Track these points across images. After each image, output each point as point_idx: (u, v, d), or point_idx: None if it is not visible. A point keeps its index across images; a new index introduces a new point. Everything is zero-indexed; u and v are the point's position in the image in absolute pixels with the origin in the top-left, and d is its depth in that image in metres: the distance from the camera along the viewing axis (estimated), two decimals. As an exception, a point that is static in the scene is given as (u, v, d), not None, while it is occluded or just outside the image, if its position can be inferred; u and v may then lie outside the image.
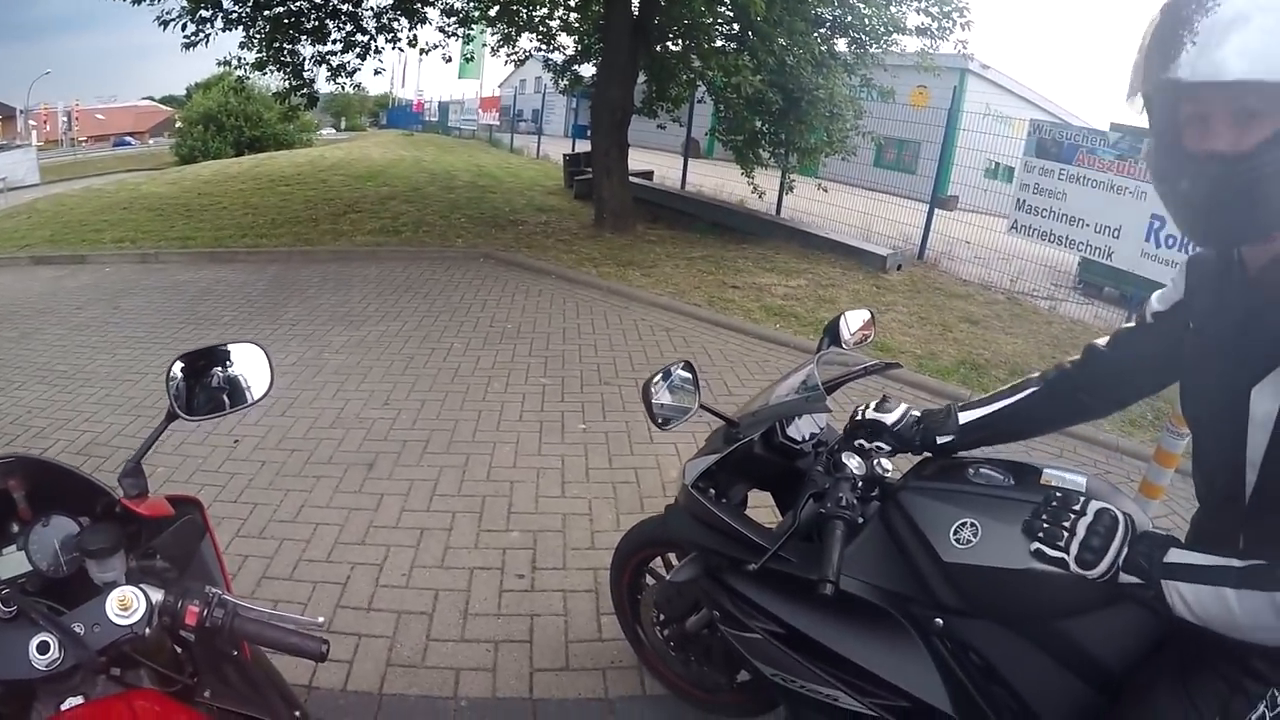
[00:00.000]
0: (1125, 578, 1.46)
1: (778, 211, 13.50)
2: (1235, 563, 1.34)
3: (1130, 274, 9.62)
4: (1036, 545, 1.55)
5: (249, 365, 1.76)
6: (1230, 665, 1.43)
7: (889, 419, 2.02)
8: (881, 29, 11.72)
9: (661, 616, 2.71)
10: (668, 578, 2.39)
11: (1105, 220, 9.59)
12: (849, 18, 11.73)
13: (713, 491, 2.17)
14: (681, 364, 2.19)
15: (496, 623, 3.34)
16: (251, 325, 7.30)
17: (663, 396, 2.13)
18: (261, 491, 4.33)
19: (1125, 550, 1.47)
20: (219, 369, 1.72)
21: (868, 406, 2.09)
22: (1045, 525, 1.56)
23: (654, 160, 16.22)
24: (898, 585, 1.80)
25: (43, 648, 1.12)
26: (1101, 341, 1.87)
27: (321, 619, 1.40)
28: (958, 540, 1.70)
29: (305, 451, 4.81)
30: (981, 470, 1.88)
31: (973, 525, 1.71)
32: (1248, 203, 1.22)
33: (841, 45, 12.15)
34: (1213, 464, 1.51)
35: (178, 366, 1.66)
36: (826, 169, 12.77)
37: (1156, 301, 1.71)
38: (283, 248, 10.72)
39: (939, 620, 1.75)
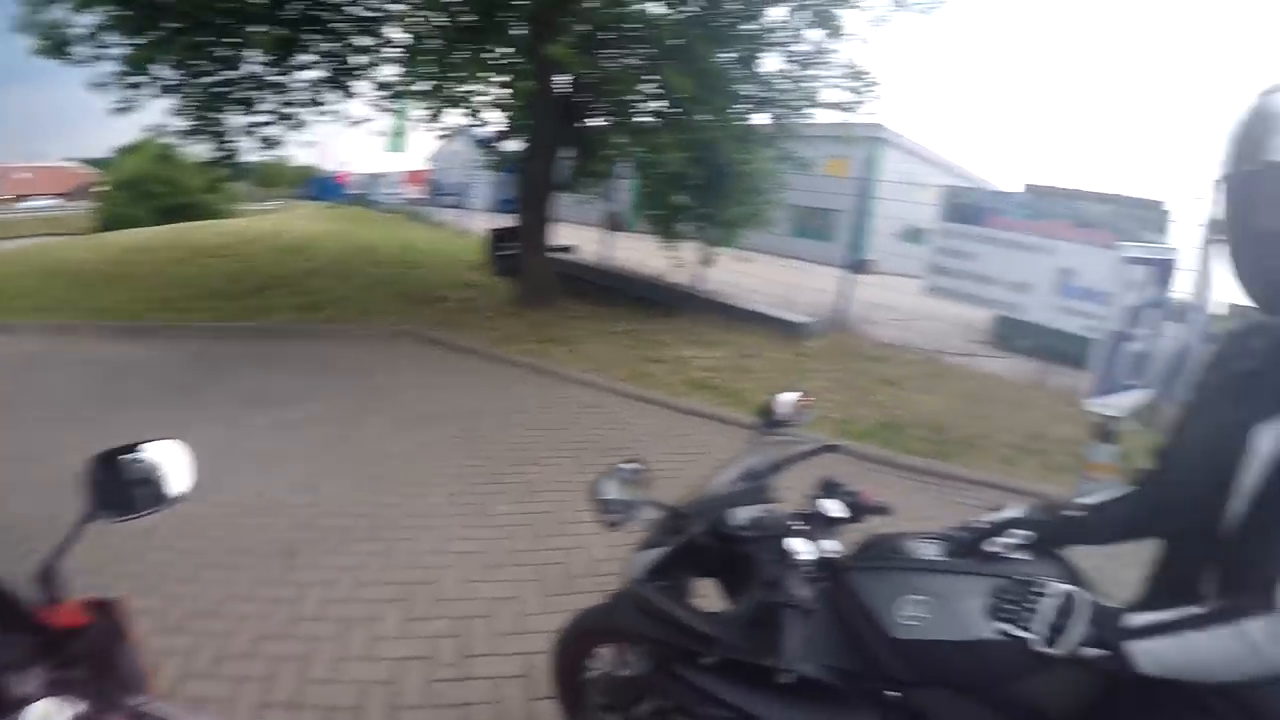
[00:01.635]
0: (1088, 651, 1.52)
1: (699, 284, 13.59)
2: (1193, 610, 1.44)
3: (1043, 327, 9.94)
4: (1002, 625, 1.60)
5: (168, 462, 1.76)
6: (1184, 707, 1.53)
7: (1015, 514, 2.00)
8: (799, 103, 11.98)
9: (607, 704, 2.67)
10: (618, 672, 2.40)
11: (1017, 277, 9.88)
12: (768, 94, 11.99)
13: (659, 583, 2.20)
14: (629, 460, 2.23)
15: (428, 715, 3.29)
16: (170, 406, 7.12)
17: (612, 494, 2.16)
18: (180, 583, 4.19)
19: (1086, 627, 1.53)
20: (137, 467, 1.71)
21: (983, 515, 2.06)
22: (1010, 607, 1.62)
23: (577, 235, 16.19)
24: (851, 663, 1.84)
25: None
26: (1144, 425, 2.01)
27: None
28: (906, 617, 1.76)
29: (225, 540, 4.68)
30: (923, 546, 1.95)
31: (920, 601, 1.77)
32: None
33: (761, 119, 12.42)
34: (1196, 496, 1.58)
35: (94, 465, 1.65)
36: (747, 239, 12.94)
37: (1187, 378, 1.86)
38: (204, 323, 10.50)
39: (894, 694, 1.79)
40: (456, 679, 3.50)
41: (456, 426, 6.83)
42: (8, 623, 1.38)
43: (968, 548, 1.93)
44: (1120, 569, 4.96)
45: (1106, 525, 1.99)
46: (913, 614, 1.76)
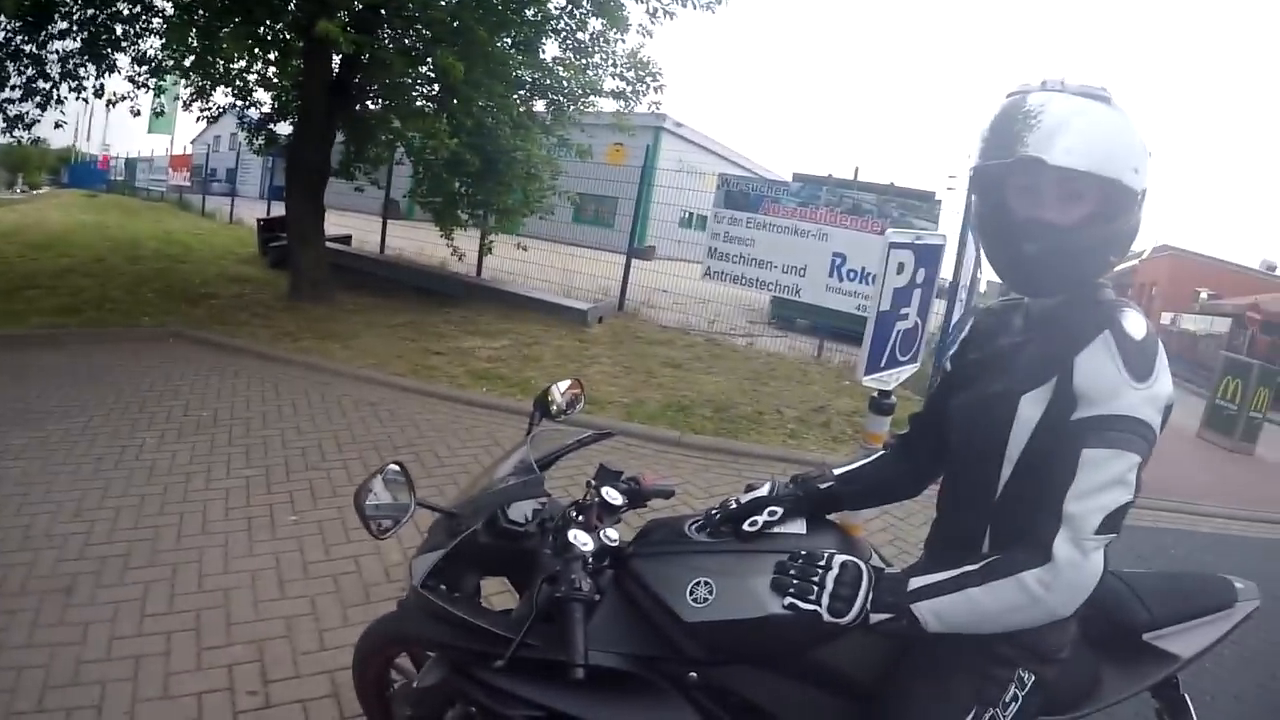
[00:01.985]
0: (876, 617, 1.58)
1: (478, 273, 13.59)
2: (971, 566, 1.54)
3: (818, 307, 10.50)
4: (790, 600, 1.63)
5: None
6: (978, 657, 1.67)
7: (763, 491, 2.02)
8: (579, 91, 12.04)
9: (415, 716, 2.53)
10: (414, 683, 2.29)
11: (792, 261, 10.37)
12: (547, 81, 12.01)
13: (443, 587, 2.11)
14: (391, 464, 2.10)
15: None
16: None
17: (376, 500, 2.04)
18: None
19: (872, 594, 1.60)
20: None
21: (737, 496, 2.07)
22: (795, 582, 1.65)
23: (352, 223, 15.83)
24: (646, 648, 1.82)
25: None
26: (919, 406, 2.12)
27: None
28: (695, 599, 1.75)
29: None
30: (704, 528, 1.95)
31: (706, 583, 1.77)
32: (1061, 265, 1.60)
33: (540, 106, 12.41)
34: (971, 462, 1.74)
35: None
36: (526, 227, 12.98)
37: (951, 351, 2.01)
38: None
39: (693, 674, 1.79)
40: (262, 708, 3.27)
41: (232, 433, 6.44)
42: None
43: (733, 527, 1.95)
44: (910, 530, 5.21)
45: (860, 493, 2.12)
46: (701, 596, 1.77)
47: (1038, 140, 1.51)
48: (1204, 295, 36.75)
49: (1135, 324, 1.52)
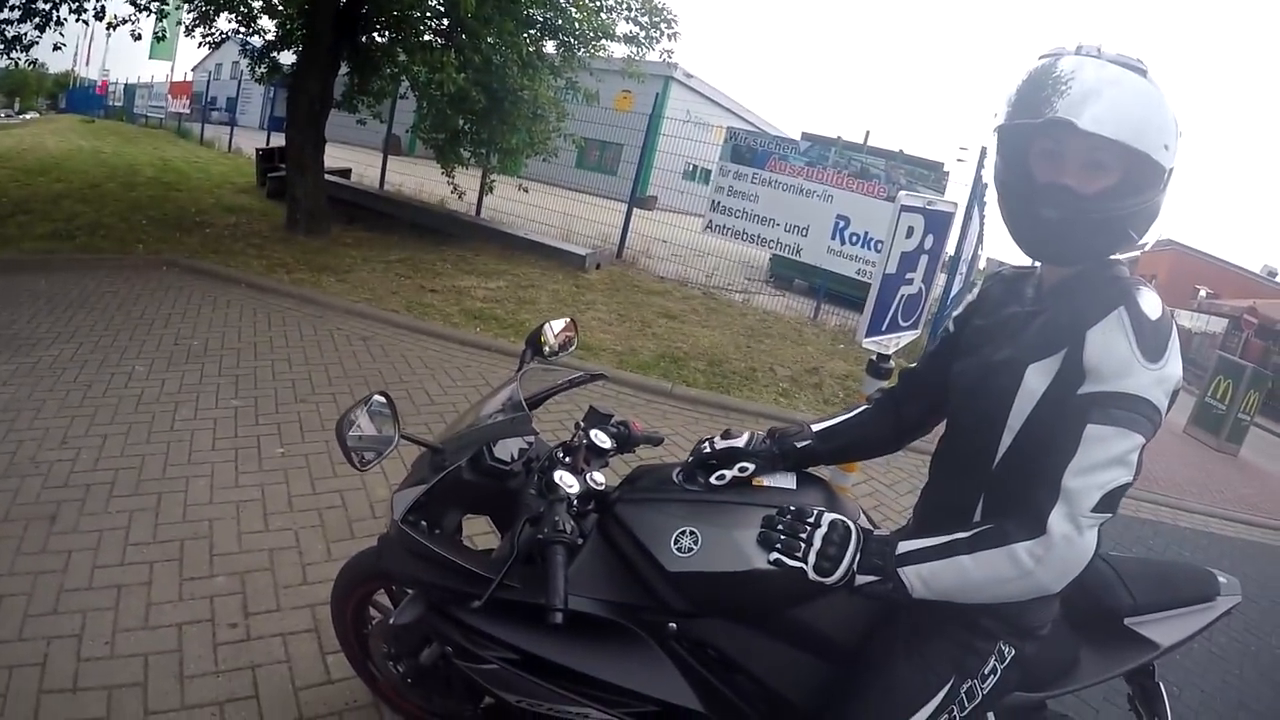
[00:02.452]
0: (862, 578, 1.58)
1: (478, 212, 13.52)
2: (962, 534, 1.54)
3: (817, 268, 10.47)
4: (776, 556, 1.62)
5: None
6: (959, 627, 1.68)
7: (740, 442, 2.01)
8: (591, 34, 11.89)
9: (393, 653, 2.56)
10: (391, 620, 2.26)
11: (795, 220, 10.30)
12: (559, 21, 11.83)
13: (424, 524, 2.08)
14: (376, 394, 2.08)
15: (216, 682, 3.03)
16: None
17: (359, 431, 2.00)
18: None
19: (859, 555, 1.60)
20: None
21: (713, 439, 2.07)
22: (782, 537, 1.64)
23: (353, 157, 15.68)
24: (626, 596, 1.82)
25: None
26: (914, 364, 2.13)
27: None
28: (679, 549, 1.76)
29: None
30: (692, 476, 1.94)
31: (691, 533, 1.78)
32: (1080, 234, 1.56)
33: (550, 47, 12.26)
34: (970, 428, 1.73)
35: None
36: (528, 169, 12.85)
37: (955, 313, 1.99)
38: None
39: (672, 625, 1.78)
40: (242, 640, 3.26)
41: (223, 363, 6.40)
42: None
43: (704, 475, 1.95)
44: (895, 497, 5.20)
45: (838, 449, 2.12)
46: (685, 545, 1.76)
47: (1069, 104, 1.46)
48: (1203, 293, 37.24)
49: (1151, 303, 1.49)
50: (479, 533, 2.32)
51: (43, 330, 6.86)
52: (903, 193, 3.95)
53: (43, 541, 3.86)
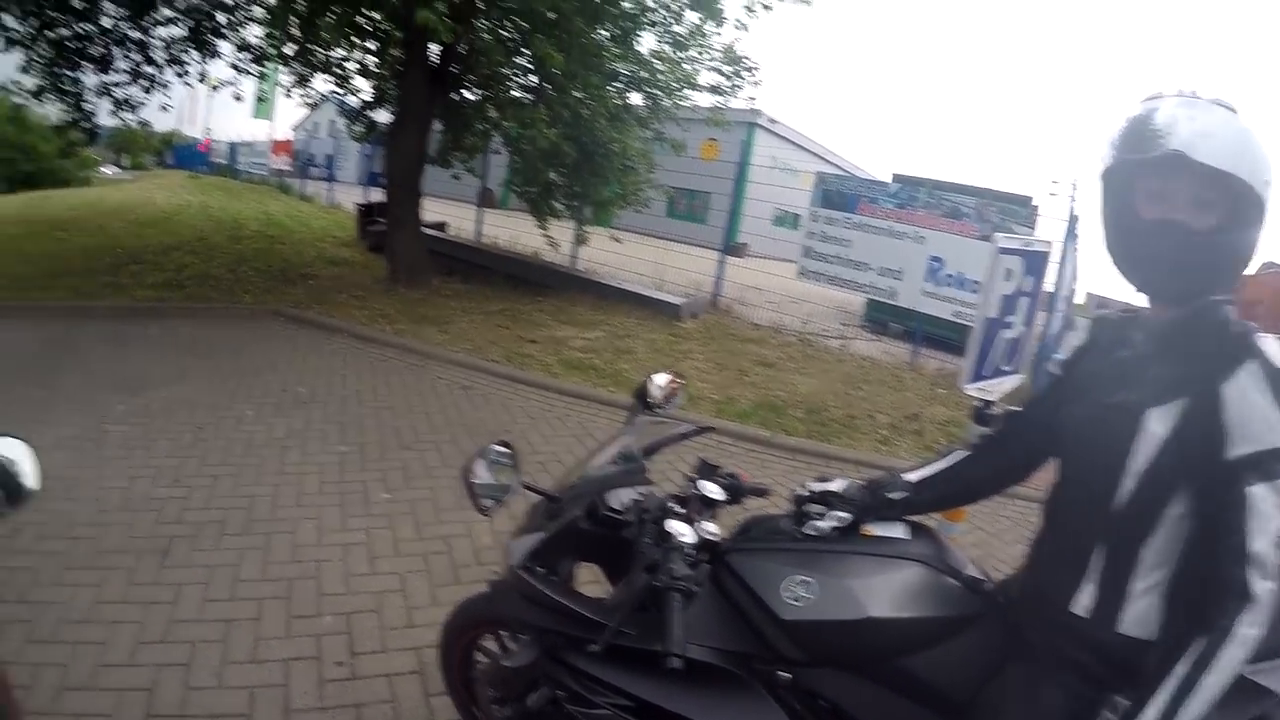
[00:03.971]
0: None
1: (573, 263, 13.64)
2: (1179, 667, 1.45)
3: (913, 311, 10.38)
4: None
5: (8, 463, 1.57)
6: (1071, 676, 1.65)
7: (834, 486, 2.02)
8: (675, 85, 12.00)
9: (498, 696, 2.57)
10: (503, 662, 2.31)
11: (888, 263, 10.24)
12: (644, 73, 11.99)
13: (540, 570, 2.13)
14: (498, 443, 2.13)
15: (321, 718, 3.11)
16: (22, 391, 6.57)
17: (482, 478, 2.05)
18: (48, 588, 3.85)
19: None
20: None
21: (810, 482, 2.09)
22: None
23: (448, 211, 16.01)
24: (739, 644, 1.83)
25: None
26: (1017, 406, 2.10)
27: None
28: (793, 598, 1.76)
29: (92, 539, 4.31)
30: (804, 527, 1.94)
31: (805, 581, 1.78)
32: (1192, 270, 1.58)
33: (636, 99, 12.39)
34: (1087, 473, 1.69)
35: None
36: (619, 219, 12.94)
37: (1060, 356, 1.98)
38: (58, 303, 9.77)
39: (783, 674, 1.79)
40: (348, 679, 3.33)
41: (329, 410, 6.58)
42: None
43: (848, 529, 1.95)
44: (1002, 546, 5.08)
45: (934, 499, 2.11)
46: (799, 594, 1.77)
47: (1181, 138, 1.49)
48: (1314, 315, 35.54)
49: (1276, 352, 1.49)
50: (585, 581, 2.35)
51: (155, 374, 7.15)
52: (999, 235, 3.91)
53: (155, 574, 4.02)
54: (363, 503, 4.99)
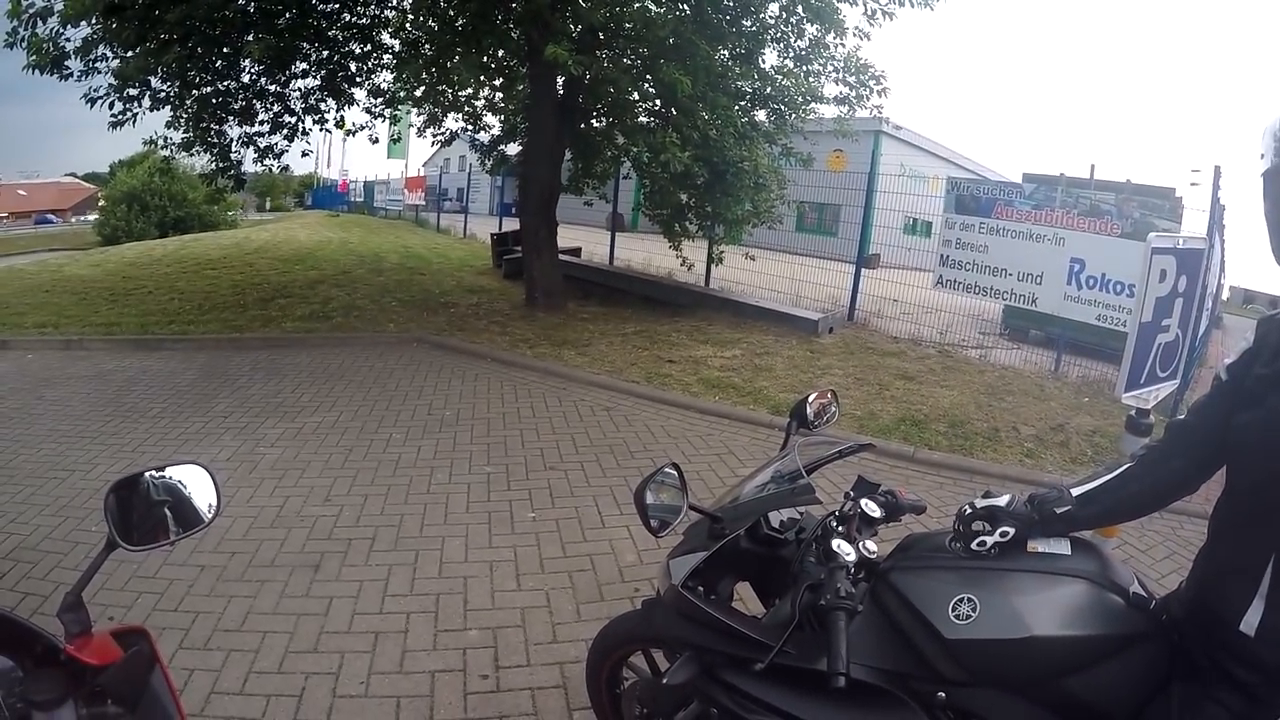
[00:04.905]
0: None
1: (706, 282, 13.66)
2: None
3: (1055, 317, 10.00)
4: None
5: (192, 487, 1.69)
6: (1237, 697, 1.56)
7: (1000, 502, 1.97)
8: (800, 99, 11.95)
9: (646, 713, 2.62)
10: (664, 680, 2.29)
11: (1027, 268, 9.87)
12: (769, 90, 11.98)
13: (700, 589, 2.14)
14: (668, 465, 2.18)
15: None
16: (182, 418, 7.08)
17: (653, 499, 2.10)
18: (203, 599, 4.11)
19: None
20: (159, 494, 1.64)
21: (976, 498, 2.04)
22: None
23: (580, 236, 16.29)
24: (897, 664, 1.82)
25: None
26: (1181, 414, 2.01)
27: None
28: (957, 616, 1.73)
29: (246, 554, 4.60)
30: (968, 545, 1.91)
31: (969, 600, 1.74)
32: None
33: (761, 116, 12.38)
34: (1261, 484, 1.58)
35: (116, 492, 1.57)
36: (749, 236, 12.89)
37: (1227, 360, 1.87)
38: (211, 335, 10.47)
39: (941, 694, 1.77)
40: (492, 691, 3.43)
41: (474, 432, 6.80)
42: (38, 659, 1.32)
43: (1011, 545, 1.90)
44: (1152, 563, 4.92)
45: (1100, 513, 1.99)
46: (964, 613, 1.74)
47: None
48: None
49: None
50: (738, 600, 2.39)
51: (306, 400, 7.57)
52: (1153, 235, 3.78)
53: (306, 587, 4.25)
54: (508, 521, 5.14)
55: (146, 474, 1.64)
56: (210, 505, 1.70)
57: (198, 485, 1.70)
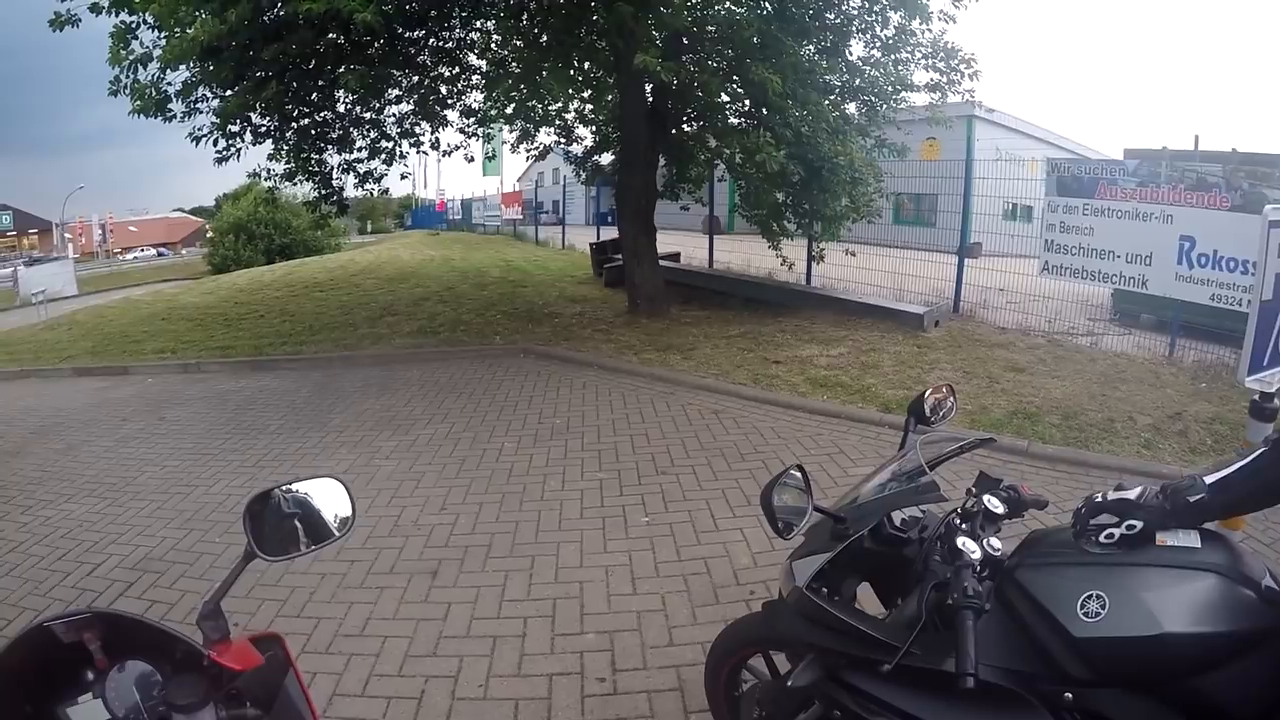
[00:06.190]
0: None
1: (808, 281, 13.56)
2: None
3: (1166, 299, 9.60)
4: None
5: (327, 500, 1.77)
6: None
7: (1131, 494, 1.90)
8: (890, 89, 11.87)
9: (765, 715, 2.58)
10: (788, 683, 2.30)
11: (1135, 249, 9.48)
12: (857, 81, 11.95)
13: (825, 590, 2.15)
14: (793, 467, 2.19)
15: None
16: (299, 433, 7.39)
17: (780, 501, 2.10)
18: (324, 605, 4.30)
19: None
20: (295, 506, 1.72)
21: (1106, 491, 1.97)
22: None
23: (677, 240, 16.33)
24: (1022, 664, 1.78)
25: None
26: None
27: None
28: (1085, 613, 1.70)
29: (365, 562, 4.77)
30: (1093, 539, 1.87)
31: (1098, 596, 1.70)
32: None
33: (852, 109, 12.32)
34: None
35: (252, 505, 1.65)
36: (847, 231, 12.75)
37: None
38: (323, 354, 10.90)
39: (1067, 695, 1.73)
40: (609, 694, 3.50)
41: (584, 439, 6.91)
42: (176, 664, 1.40)
43: (1140, 540, 1.83)
44: (1277, 557, 4.74)
45: (1235, 501, 1.88)
46: (1093, 610, 1.70)
47: None
48: None
49: None
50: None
51: (418, 412, 7.82)
52: (1269, 206, 3.63)
53: (424, 593, 4.41)
54: (623, 526, 5.22)
55: (277, 489, 1.72)
56: (338, 517, 1.79)
57: (332, 498, 1.79)
